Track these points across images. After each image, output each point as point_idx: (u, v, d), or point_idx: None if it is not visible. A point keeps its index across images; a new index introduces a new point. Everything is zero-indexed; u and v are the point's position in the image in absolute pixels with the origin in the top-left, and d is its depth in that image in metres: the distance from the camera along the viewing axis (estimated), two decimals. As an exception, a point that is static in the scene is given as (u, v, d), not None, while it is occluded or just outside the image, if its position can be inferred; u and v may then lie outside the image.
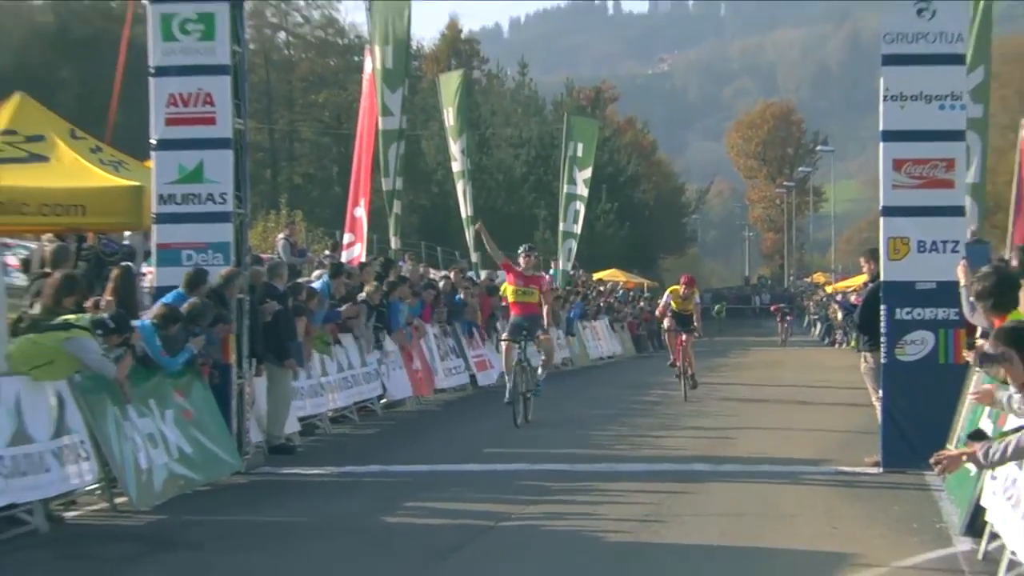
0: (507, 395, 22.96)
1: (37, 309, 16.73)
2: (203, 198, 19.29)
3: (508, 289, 24.42)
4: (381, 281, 28.17)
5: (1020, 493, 11.09)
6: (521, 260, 24.79)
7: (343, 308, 25.12)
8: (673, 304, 30.70)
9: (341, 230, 33.90)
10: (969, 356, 15.33)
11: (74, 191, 21.20)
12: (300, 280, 25.18)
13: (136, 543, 14.37)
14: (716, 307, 78.05)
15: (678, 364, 30.52)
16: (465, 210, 41.94)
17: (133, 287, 18.32)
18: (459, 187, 42.40)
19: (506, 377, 23.64)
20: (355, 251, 31.49)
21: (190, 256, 19.13)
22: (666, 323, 31.06)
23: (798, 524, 15.06)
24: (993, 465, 10.42)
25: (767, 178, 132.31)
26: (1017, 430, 9.73)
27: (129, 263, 19.33)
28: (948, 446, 15.39)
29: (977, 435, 10.30)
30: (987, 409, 13.49)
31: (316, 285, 24.20)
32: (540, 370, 24.28)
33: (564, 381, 38.10)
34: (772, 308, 76.71)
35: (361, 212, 31.99)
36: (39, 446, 14.59)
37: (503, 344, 24.63)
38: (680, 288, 30.74)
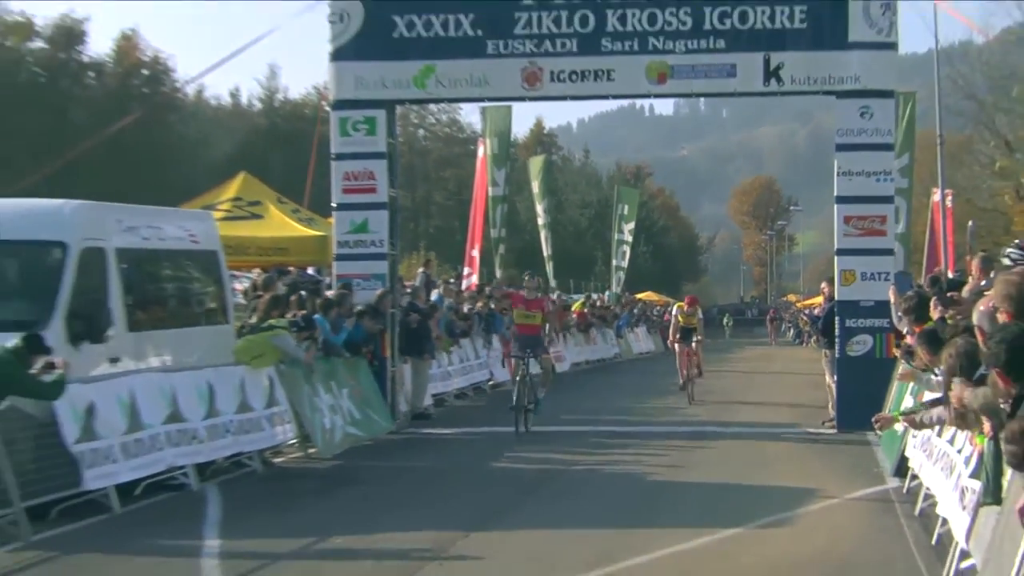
0: (513, 401, 18.73)
1: (254, 319, 16.94)
2: (367, 243, 19.40)
3: (515, 312, 20.20)
4: (488, 299, 28.33)
5: (932, 447, 11.04)
6: (525, 286, 20.68)
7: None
8: (680, 319, 24.55)
9: (462, 265, 33.89)
10: (898, 352, 15.25)
11: (280, 239, 21.53)
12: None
13: (322, 480, 14.49)
14: (725, 318, 76.99)
15: (683, 378, 24.45)
16: (545, 250, 42.15)
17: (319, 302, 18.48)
18: (542, 235, 42.57)
19: (512, 389, 19.49)
20: (472, 280, 31.49)
21: (359, 283, 19.25)
22: (676, 338, 24.82)
23: (779, 468, 14.98)
24: (918, 428, 10.39)
25: (756, 229, 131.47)
26: (935, 403, 9.66)
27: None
28: (885, 412, 15.33)
29: (907, 412, 10.30)
30: (909, 386, 13.40)
31: (433, 298, 24.21)
32: (540, 390, 19.53)
33: (616, 369, 38.02)
34: (770, 314, 75.89)
35: (476, 253, 32.02)
36: (256, 413, 14.78)
37: (512, 360, 20.19)
38: (684, 306, 24.99)
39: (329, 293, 19.31)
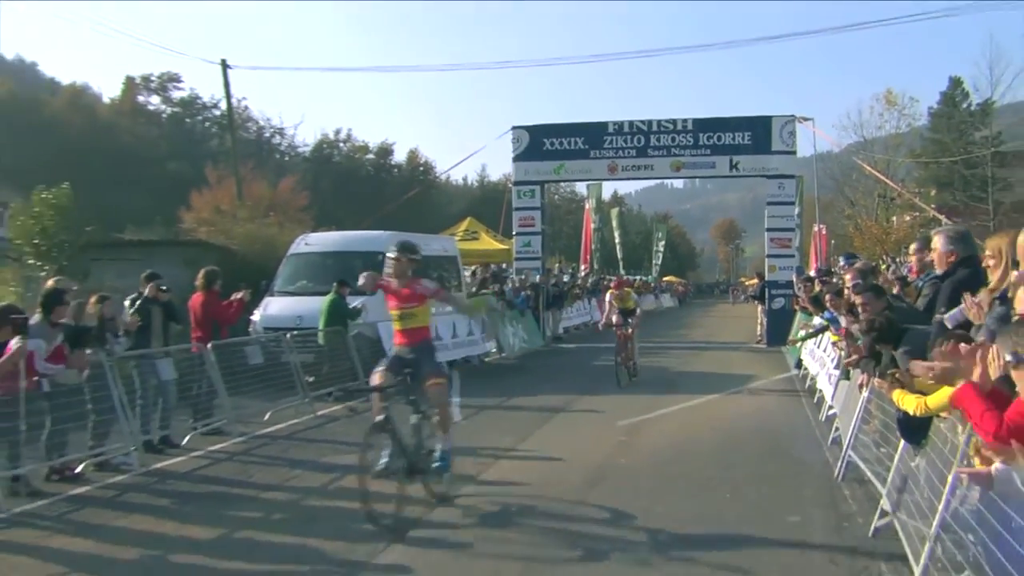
0: (363, 468, 4.76)
1: (475, 289, 16.82)
2: (530, 253, 19.08)
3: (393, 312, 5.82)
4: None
5: (815, 352, 10.58)
6: (389, 269, 5.80)
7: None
8: (616, 303, 12.02)
9: (578, 263, 33.31)
10: (797, 306, 14.65)
11: (487, 250, 21.38)
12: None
13: (510, 369, 14.16)
14: (714, 291, 73.38)
15: (621, 356, 12.00)
16: (619, 254, 41.68)
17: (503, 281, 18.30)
18: (617, 250, 41.89)
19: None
20: (584, 269, 30.97)
21: (524, 272, 18.80)
22: (614, 319, 12.07)
23: (722, 364, 14.44)
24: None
25: (725, 245, 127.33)
26: (821, 330, 9.38)
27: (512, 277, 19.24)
28: (789, 337, 14.74)
29: (801, 338, 9.93)
30: (797, 321, 12.89)
31: (565, 278, 23.29)
32: (438, 442, 5.32)
33: (655, 316, 37.13)
34: (732, 288, 72.68)
35: (588, 257, 31.43)
36: (475, 336, 14.46)
37: (374, 376, 5.27)
38: (615, 291, 12.60)
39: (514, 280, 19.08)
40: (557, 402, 10.39)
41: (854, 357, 5.98)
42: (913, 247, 7.07)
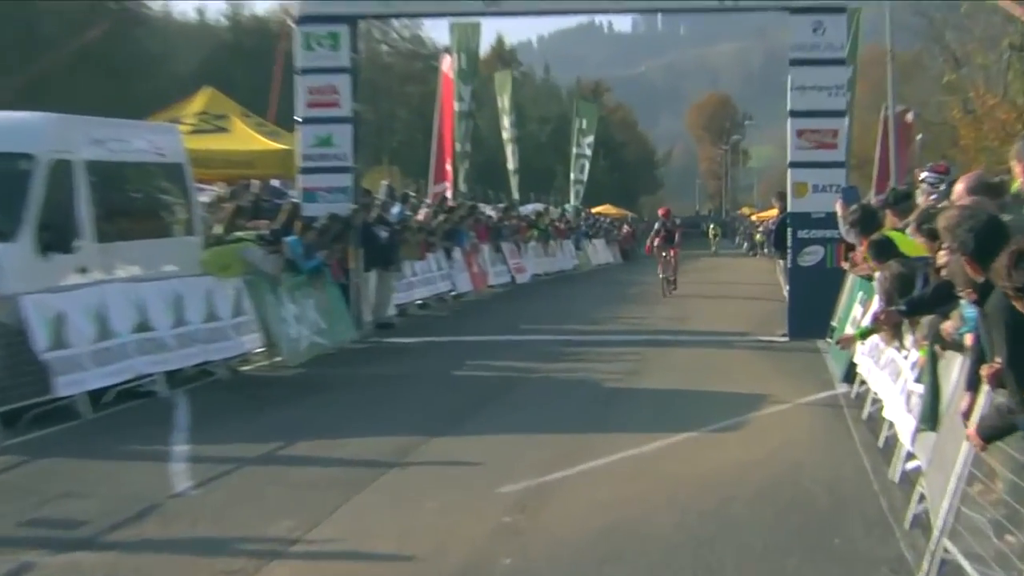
0: None
1: (219, 229, 16.84)
2: (331, 158, 19.28)
3: None
4: (449, 213, 28.21)
5: (880, 353, 11.12)
6: None
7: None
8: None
9: (426, 179, 33.55)
10: (846, 265, 15.35)
11: (245, 152, 21.40)
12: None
13: (288, 387, 14.49)
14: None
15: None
16: (511, 164, 42.12)
17: (296, 215, 18.30)
18: (508, 150, 42.53)
19: None
20: (447, 192, 31.29)
21: (324, 197, 19.13)
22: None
23: (732, 375, 15.07)
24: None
25: (711, 143, 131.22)
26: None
27: (296, 200, 19.39)
28: (832, 323, 15.45)
29: (866, 331, 10.41)
30: (858, 295, 13.50)
31: (395, 211, 23.91)
32: None
33: (574, 279, 38.10)
34: (726, 230, 76.12)
35: (450, 166, 31.76)
36: (223, 322, 14.76)
37: None
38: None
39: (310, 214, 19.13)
40: (385, 449, 10.48)
41: (992, 369, 5.98)
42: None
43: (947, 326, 7.64)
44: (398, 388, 14.29)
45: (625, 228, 60.53)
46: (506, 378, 15.12)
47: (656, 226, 30.28)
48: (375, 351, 18.00)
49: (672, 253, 29.06)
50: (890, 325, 9.34)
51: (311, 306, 17.26)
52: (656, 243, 29.19)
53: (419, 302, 24.21)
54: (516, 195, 43.01)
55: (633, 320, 22.85)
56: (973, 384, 6.39)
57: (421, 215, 26.49)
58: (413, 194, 30.92)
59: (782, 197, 20.54)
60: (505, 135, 42.73)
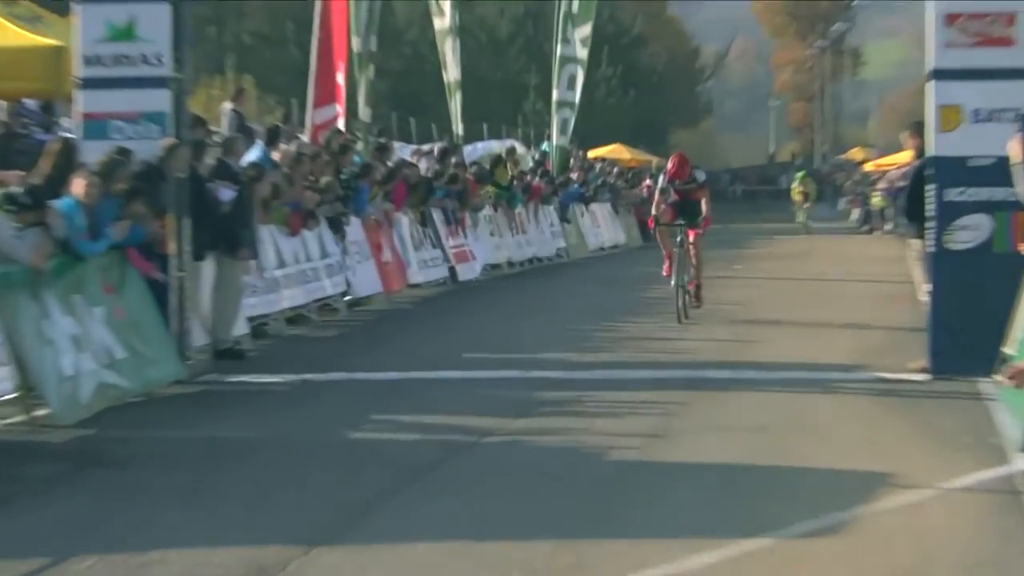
0: None
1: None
2: (136, 60, 19.27)
3: None
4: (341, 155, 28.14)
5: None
6: None
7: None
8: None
9: (301, 99, 33.54)
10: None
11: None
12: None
13: (58, 461, 14.39)
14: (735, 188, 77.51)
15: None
16: (450, 74, 41.83)
17: (72, 160, 18.19)
18: (445, 46, 42.25)
19: None
20: (338, 121, 31.22)
21: (120, 128, 19.08)
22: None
23: (830, 439, 15.13)
24: None
25: (797, 37, 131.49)
26: None
27: (71, 135, 19.28)
28: (1005, 349, 15.44)
29: None
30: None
31: (252, 156, 23.79)
32: None
33: (559, 274, 38.16)
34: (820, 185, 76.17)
35: (341, 78, 31.69)
36: None
37: None
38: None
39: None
40: (231, 572, 10.38)
41: None
42: None
43: None
44: (252, 464, 14.25)
45: (646, 184, 60.71)
46: (441, 445, 15.10)
47: (660, 185, 27.32)
48: (212, 399, 18.02)
49: (691, 238, 26.41)
50: None
51: (100, 318, 17.24)
52: (662, 220, 26.55)
53: (289, 314, 24.16)
54: (459, 128, 42.90)
55: (659, 345, 22.89)
56: None
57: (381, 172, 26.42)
58: (283, 125, 30.86)
59: (919, 131, 20.42)
60: (439, 24, 42.57)
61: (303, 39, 32.08)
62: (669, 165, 26.89)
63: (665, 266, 26.25)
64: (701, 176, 26.87)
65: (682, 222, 26.10)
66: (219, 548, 11.06)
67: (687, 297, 26.02)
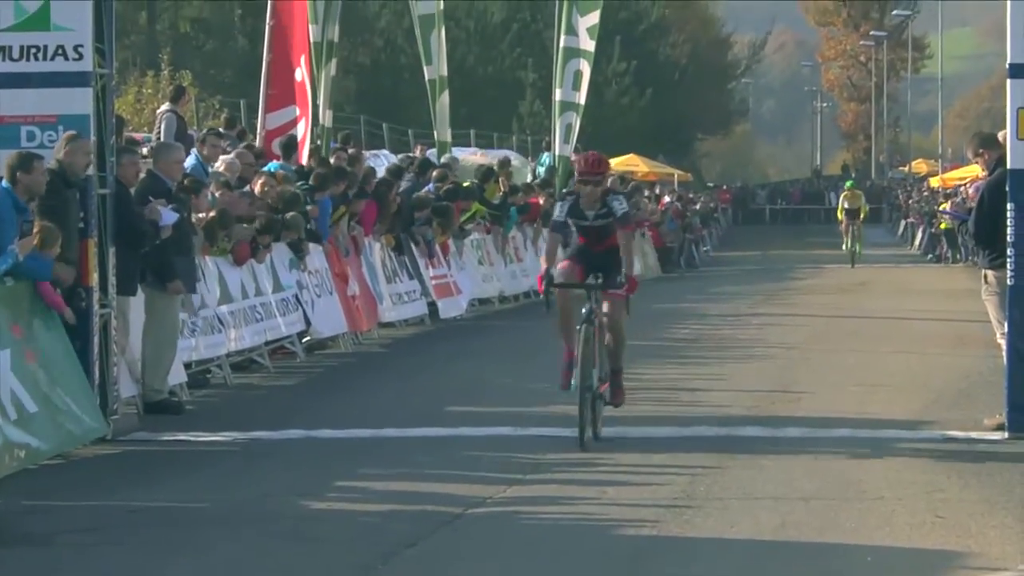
0: None
1: None
2: (50, 52, 19.28)
3: None
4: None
5: None
6: None
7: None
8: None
9: (254, 99, 33.67)
10: None
11: None
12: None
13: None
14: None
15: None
16: (433, 71, 41.95)
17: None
18: (429, 36, 42.37)
19: None
20: (300, 131, 31.27)
21: (32, 134, 19.09)
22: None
23: (888, 511, 15.13)
24: None
25: (848, 26, 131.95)
26: None
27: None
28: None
29: None
30: None
31: (186, 164, 23.64)
32: None
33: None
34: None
35: (303, 74, 31.72)
36: None
37: None
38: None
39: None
40: None
41: None
42: None
43: None
44: (187, 540, 14.23)
45: (665, 203, 60.95)
46: (419, 517, 15.09)
47: (555, 215, 20.51)
48: (142, 461, 18.08)
49: (605, 309, 19.76)
50: None
51: (5, 367, 17.14)
52: (558, 278, 19.85)
53: (236, 359, 24.16)
54: (446, 134, 42.97)
55: (684, 396, 22.93)
56: None
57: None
58: (223, 131, 30.90)
59: (986, 142, 20.35)
60: (420, 9, 42.68)
61: (253, 28, 32.12)
62: (578, 167, 21.18)
63: (564, 354, 19.86)
64: (620, 207, 19.92)
65: (593, 282, 19.86)
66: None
67: (599, 404, 19.76)
